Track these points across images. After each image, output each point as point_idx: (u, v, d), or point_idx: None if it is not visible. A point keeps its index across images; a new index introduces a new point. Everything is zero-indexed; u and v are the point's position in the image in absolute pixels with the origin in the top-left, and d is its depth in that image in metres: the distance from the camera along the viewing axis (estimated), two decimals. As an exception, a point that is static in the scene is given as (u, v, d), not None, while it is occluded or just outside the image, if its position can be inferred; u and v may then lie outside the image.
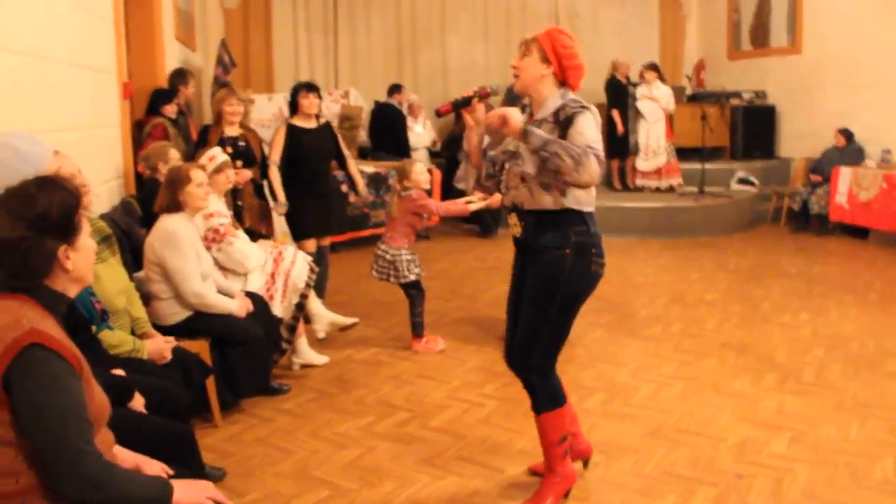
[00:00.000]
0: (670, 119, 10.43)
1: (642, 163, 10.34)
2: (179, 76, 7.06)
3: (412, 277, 5.20)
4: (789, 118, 11.29)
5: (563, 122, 2.98)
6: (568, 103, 3.02)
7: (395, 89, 10.62)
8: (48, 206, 1.93)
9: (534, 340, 3.17)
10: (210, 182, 4.43)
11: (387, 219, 5.39)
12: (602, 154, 2.89)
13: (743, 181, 10.66)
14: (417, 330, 5.30)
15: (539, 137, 2.91)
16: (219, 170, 4.58)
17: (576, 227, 3.07)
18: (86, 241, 2.04)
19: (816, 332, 5.65)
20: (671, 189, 10.26)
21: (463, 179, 4.81)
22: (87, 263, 2.04)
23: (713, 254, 8.45)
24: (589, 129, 2.94)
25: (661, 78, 10.50)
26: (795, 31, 10.97)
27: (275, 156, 5.59)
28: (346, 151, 5.98)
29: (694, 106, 11.05)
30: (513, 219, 3.18)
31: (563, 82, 3.10)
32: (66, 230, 1.97)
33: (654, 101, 10.17)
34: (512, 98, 10.48)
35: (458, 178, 4.44)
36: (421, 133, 10.55)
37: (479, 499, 3.35)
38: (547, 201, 3.05)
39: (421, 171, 5.23)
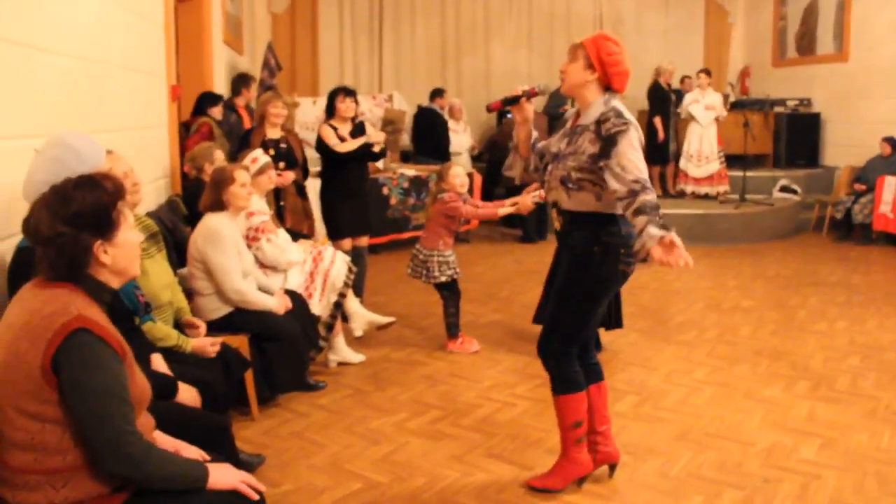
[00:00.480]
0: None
1: (695, 169, 10.29)
2: (243, 80, 7.29)
3: (443, 278, 5.29)
4: (834, 126, 11.19)
5: (606, 139, 3.08)
6: (610, 115, 3.11)
7: (436, 93, 10.73)
8: (83, 203, 2.05)
9: (554, 327, 3.37)
10: (252, 183, 4.57)
11: (425, 220, 5.51)
12: (646, 179, 3.03)
13: (785, 189, 10.58)
14: (451, 330, 5.39)
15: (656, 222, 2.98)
16: (261, 171, 4.71)
17: (607, 228, 3.20)
18: (126, 236, 2.14)
19: (853, 340, 5.62)
20: (717, 196, 10.21)
21: (510, 168, 4.89)
22: (127, 257, 2.14)
23: (752, 261, 8.42)
24: (632, 156, 3.04)
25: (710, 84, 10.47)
26: (842, 39, 10.86)
27: (338, 145, 5.72)
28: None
29: (737, 113, 10.99)
30: (554, 213, 3.38)
31: (608, 87, 3.19)
32: (102, 226, 2.08)
33: (710, 107, 10.11)
34: (557, 99, 10.58)
35: (507, 166, 4.58)
36: (462, 137, 10.64)
37: (507, 495, 3.42)
38: (581, 204, 3.21)
39: (457, 174, 5.31)
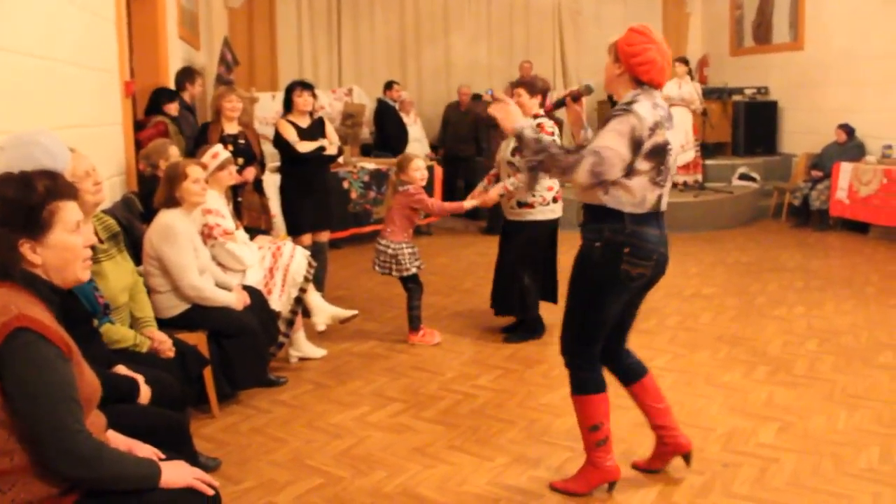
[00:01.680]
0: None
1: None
2: (186, 74, 7.17)
3: (413, 270, 5.29)
4: (791, 114, 11.33)
5: (605, 121, 3.08)
6: (623, 105, 3.05)
7: (388, 86, 10.69)
8: (5, 200, 2.00)
9: (567, 325, 3.31)
10: (213, 179, 4.54)
11: (385, 213, 5.46)
12: (606, 154, 2.97)
13: (744, 177, 10.69)
14: (414, 323, 5.38)
15: (532, 144, 3.06)
16: (221, 167, 4.66)
17: (612, 224, 3.10)
18: (60, 237, 2.07)
19: (811, 325, 5.70)
20: (678, 185, 10.27)
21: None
22: (62, 259, 2.08)
23: (712, 249, 8.50)
24: (610, 133, 3.00)
25: (690, 73, 10.49)
26: (798, 28, 10.99)
27: (297, 143, 5.70)
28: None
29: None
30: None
31: (639, 81, 3.10)
32: (27, 225, 2.02)
33: (684, 98, 10.12)
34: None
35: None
36: (412, 129, 10.63)
37: (469, 486, 3.43)
38: (591, 196, 3.13)
39: (418, 167, 5.27)
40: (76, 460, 1.94)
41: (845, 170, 9.20)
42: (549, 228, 5.36)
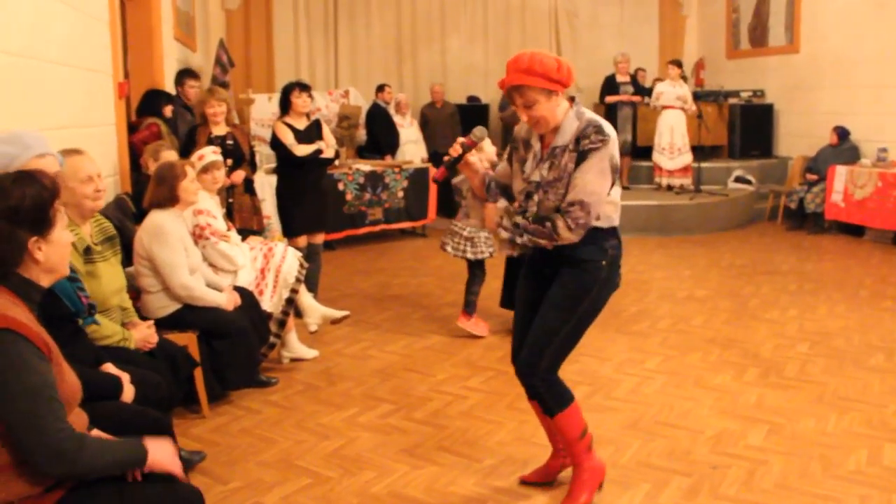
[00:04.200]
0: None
1: (667, 161, 10.31)
2: (178, 76, 7.18)
3: (487, 254, 5.43)
4: (787, 117, 11.34)
5: (581, 154, 2.92)
6: (590, 132, 2.93)
7: (379, 88, 10.73)
8: (21, 198, 2.01)
9: (546, 343, 3.13)
10: (199, 180, 4.55)
11: (461, 198, 5.54)
12: (592, 200, 2.91)
13: (740, 179, 10.71)
14: (470, 308, 5.47)
15: (511, 230, 3.06)
16: (206, 169, 4.67)
17: (611, 241, 3.11)
18: (60, 234, 2.11)
19: (803, 327, 5.70)
20: (673, 188, 10.29)
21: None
22: (59, 255, 2.11)
23: (707, 251, 8.51)
24: (593, 174, 2.91)
25: (682, 76, 10.51)
26: (794, 31, 11.01)
27: (294, 146, 5.71)
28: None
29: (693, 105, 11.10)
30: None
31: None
32: (38, 223, 2.05)
33: (681, 98, 10.14)
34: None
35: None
36: (408, 131, 10.66)
37: (456, 487, 3.43)
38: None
39: (490, 145, 5.20)
40: (60, 457, 1.95)
41: (840, 173, 9.21)
42: None
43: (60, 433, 1.95)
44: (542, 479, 3.47)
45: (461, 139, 3.14)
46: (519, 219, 3.05)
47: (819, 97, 10.58)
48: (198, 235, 4.53)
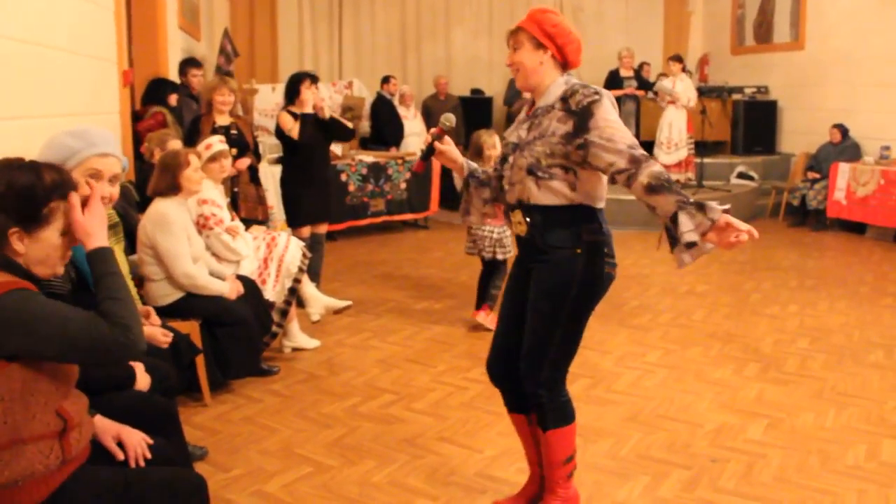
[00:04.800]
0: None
1: (664, 156, 10.32)
2: (182, 65, 7.19)
3: (500, 257, 5.47)
4: (791, 114, 11.34)
5: (579, 113, 2.68)
6: (577, 88, 2.73)
7: (384, 80, 10.74)
8: (11, 185, 1.99)
9: (542, 352, 2.85)
10: (205, 169, 4.56)
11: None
12: (634, 143, 2.64)
13: (742, 176, 10.71)
14: (492, 301, 5.47)
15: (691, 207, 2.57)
16: (213, 158, 4.68)
17: (588, 225, 2.78)
18: (50, 235, 2.06)
19: (803, 323, 5.72)
20: (688, 182, 10.29)
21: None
22: (44, 254, 2.07)
23: (709, 247, 8.49)
24: (615, 125, 2.66)
25: (685, 70, 10.50)
26: (798, 27, 11.01)
27: (293, 130, 5.69)
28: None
29: (696, 100, 11.09)
30: (517, 216, 2.89)
31: (563, 63, 2.83)
32: (23, 215, 2.01)
33: (676, 95, 10.13)
34: (515, 92, 10.65)
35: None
36: (412, 123, 10.68)
37: (456, 477, 3.44)
38: (555, 195, 2.76)
39: (495, 144, 5.33)
40: (128, 354, 2.03)
41: (843, 170, 9.21)
42: None
43: (112, 332, 1.98)
44: None
45: (432, 129, 3.04)
46: (671, 205, 2.58)
47: (823, 94, 10.57)
48: (202, 225, 4.54)
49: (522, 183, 2.81)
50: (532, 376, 2.89)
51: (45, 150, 2.68)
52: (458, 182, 3.22)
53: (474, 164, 3.17)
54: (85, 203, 2.13)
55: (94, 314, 2.01)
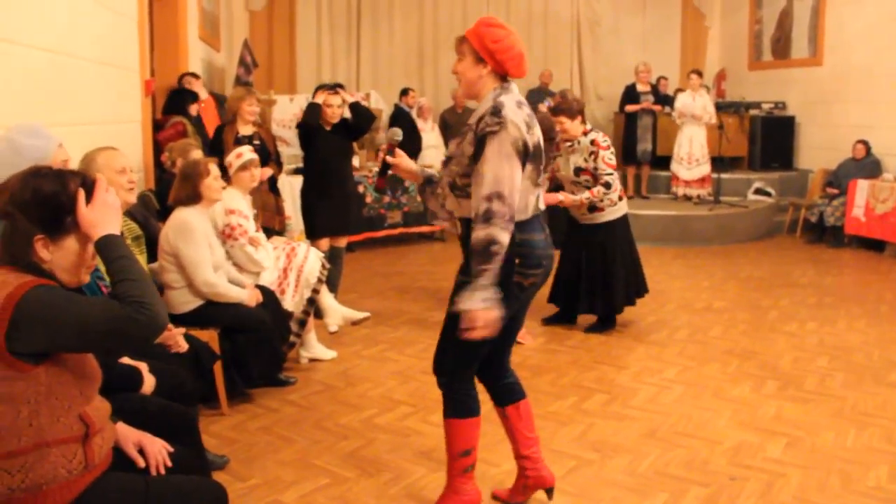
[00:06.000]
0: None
1: (685, 171, 10.31)
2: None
3: None
4: (808, 129, 11.29)
5: (478, 141, 2.80)
6: (488, 112, 2.81)
7: (403, 93, 10.77)
8: (35, 194, 2.01)
9: (446, 343, 3.04)
10: (235, 179, 4.61)
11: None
12: (508, 190, 2.72)
13: (759, 192, 10.67)
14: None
15: (485, 283, 2.74)
16: (244, 167, 4.69)
17: None
18: (74, 244, 2.08)
19: (822, 341, 5.68)
20: (693, 198, 10.27)
21: (435, 217, 5.23)
22: (70, 262, 2.08)
23: (725, 263, 8.48)
24: (494, 165, 2.74)
25: (703, 86, 10.50)
26: (817, 43, 10.97)
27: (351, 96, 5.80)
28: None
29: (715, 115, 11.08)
30: (454, 221, 3.08)
31: (504, 76, 2.91)
32: (48, 223, 2.03)
33: (696, 111, 10.11)
34: (535, 97, 10.69)
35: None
36: (429, 136, 10.69)
37: (474, 491, 3.43)
38: (469, 209, 2.86)
39: None
40: (145, 327, 1.99)
41: (862, 187, 9.17)
42: (623, 224, 5.80)
43: (126, 310, 1.97)
44: (510, 499, 3.35)
45: (382, 146, 3.09)
46: (472, 269, 2.76)
47: (841, 110, 10.53)
48: (227, 235, 4.56)
49: (448, 197, 3.00)
50: (437, 363, 3.10)
51: (10, 157, 2.71)
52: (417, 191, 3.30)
53: (430, 171, 3.26)
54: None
55: (108, 298, 2.04)
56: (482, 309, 2.73)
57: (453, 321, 2.90)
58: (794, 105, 11.47)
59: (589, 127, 5.61)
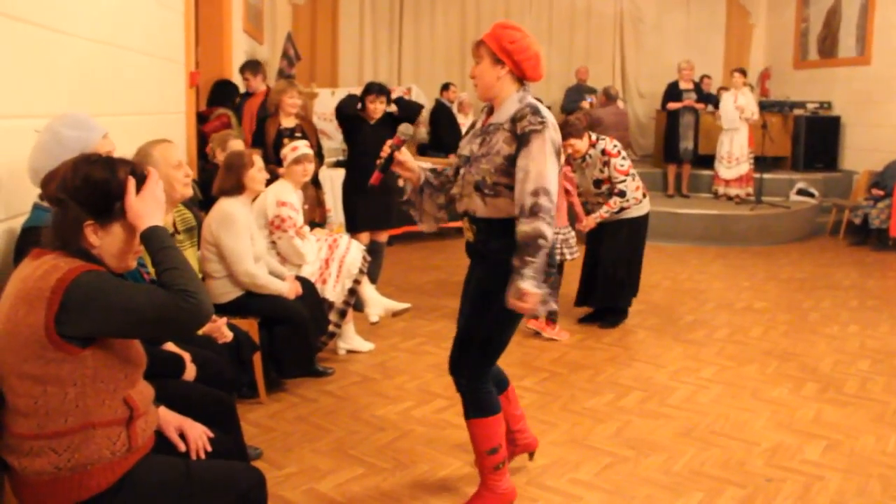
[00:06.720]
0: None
1: (725, 171, 10.24)
2: (250, 66, 7.31)
3: (569, 257, 5.51)
4: (854, 130, 11.11)
5: (520, 138, 2.86)
6: (527, 112, 2.89)
7: (444, 87, 10.79)
8: (86, 180, 2.06)
9: (468, 343, 3.10)
10: (288, 172, 4.67)
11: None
12: (550, 191, 2.82)
13: (802, 192, 10.53)
14: (554, 315, 5.47)
15: (532, 275, 2.82)
16: (297, 161, 4.74)
17: None
18: (120, 231, 2.12)
19: (864, 344, 5.60)
20: (734, 197, 10.17)
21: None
22: (118, 248, 2.13)
23: (766, 263, 8.39)
24: (539, 161, 2.83)
25: (747, 84, 10.39)
26: (865, 42, 10.79)
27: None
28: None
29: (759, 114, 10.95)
30: (465, 223, 3.11)
31: (521, 78, 2.97)
32: (97, 208, 2.07)
33: (739, 108, 10.01)
34: (575, 94, 10.61)
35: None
36: (470, 130, 10.73)
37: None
38: (499, 210, 2.95)
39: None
40: (194, 318, 2.06)
41: (908, 189, 9.01)
42: (644, 222, 5.87)
43: (172, 299, 2.02)
44: None
45: (389, 140, 3.07)
46: (516, 261, 2.83)
47: (889, 111, 10.34)
48: (276, 226, 4.62)
49: (470, 197, 3.00)
50: (457, 363, 3.14)
51: (53, 148, 2.74)
52: (408, 193, 3.29)
53: (429, 173, 3.26)
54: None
55: (154, 286, 2.09)
56: (533, 292, 2.80)
57: (484, 321, 3.02)
58: (840, 105, 11.30)
59: (594, 137, 5.64)
